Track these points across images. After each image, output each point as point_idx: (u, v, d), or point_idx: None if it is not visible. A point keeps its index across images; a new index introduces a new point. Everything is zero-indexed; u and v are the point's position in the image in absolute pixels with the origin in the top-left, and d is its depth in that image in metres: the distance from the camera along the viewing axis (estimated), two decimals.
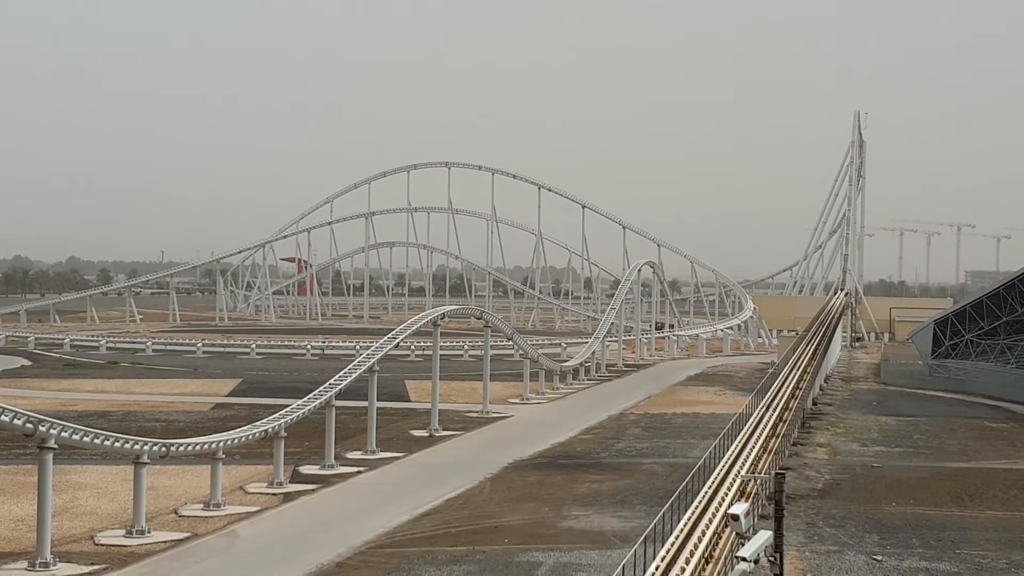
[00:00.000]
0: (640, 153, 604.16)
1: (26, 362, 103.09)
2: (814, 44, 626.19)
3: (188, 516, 40.34)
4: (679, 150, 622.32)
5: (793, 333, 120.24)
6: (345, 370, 55.63)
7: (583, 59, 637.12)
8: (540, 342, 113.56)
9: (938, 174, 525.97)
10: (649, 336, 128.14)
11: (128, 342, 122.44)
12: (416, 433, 60.49)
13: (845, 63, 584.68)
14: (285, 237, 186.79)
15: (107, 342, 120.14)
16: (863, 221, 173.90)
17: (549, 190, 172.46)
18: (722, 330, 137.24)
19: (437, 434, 60.31)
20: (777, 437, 49.12)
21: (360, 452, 53.34)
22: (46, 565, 32.93)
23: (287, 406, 49.76)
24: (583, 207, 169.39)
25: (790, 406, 58.02)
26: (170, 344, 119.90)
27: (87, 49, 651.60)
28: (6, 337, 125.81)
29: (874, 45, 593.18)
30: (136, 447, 38.28)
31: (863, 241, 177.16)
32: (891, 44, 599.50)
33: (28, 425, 34.16)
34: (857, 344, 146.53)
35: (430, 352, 70.70)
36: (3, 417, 33.83)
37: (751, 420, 49.59)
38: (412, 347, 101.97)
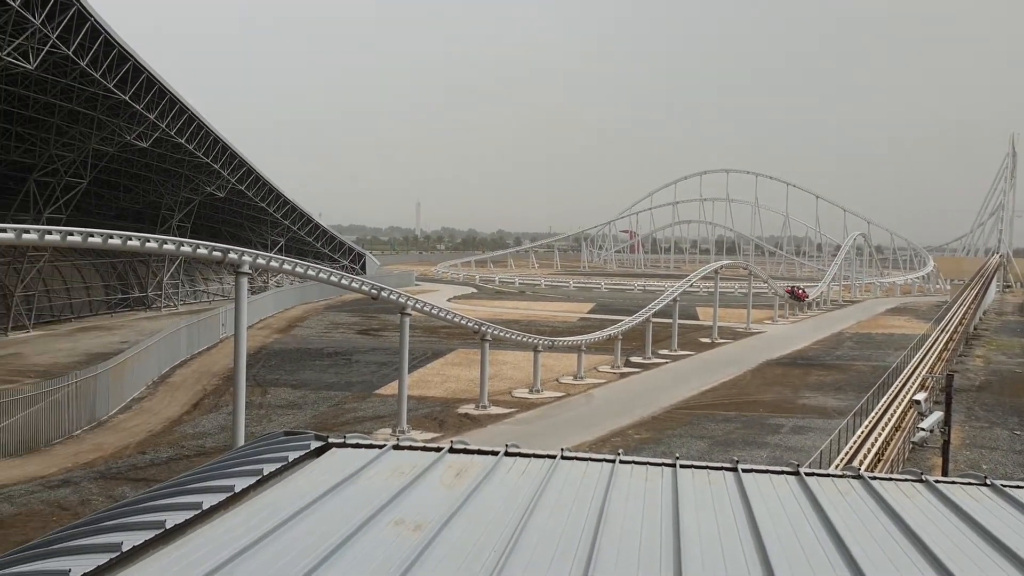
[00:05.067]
0: (850, 144, 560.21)
1: (474, 290, 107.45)
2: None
3: (564, 383, 41.28)
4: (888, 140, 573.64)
5: (961, 282, 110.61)
6: (658, 299, 55.33)
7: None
8: (786, 285, 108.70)
9: None
10: (862, 282, 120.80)
11: (530, 280, 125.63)
12: (702, 340, 59.40)
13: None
14: (622, 217, 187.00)
15: (519, 280, 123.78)
16: (1014, 206, 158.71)
17: (794, 186, 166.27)
18: (911, 279, 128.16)
19: (716, 342, 59.03)
20: (948, 351, 45.96)
21: (667, 350, 52.94)
22: (484, 407, 34.50)
23: (623, 321, 50.02)
24: (816, 197, 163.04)
25: (958, 330, 54.17)
26: (554, 282, 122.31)
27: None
28: (463, 276, 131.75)
29: None
30: (535, 341, 39.45)
31: (1014, 220, 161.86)
32: None
33: (475, 326, 35.81)
34: (1007, 290, 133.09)
35: (712, 289, 69.58)
36: (463, 321, 35.63)
37: (930, 339, 46.38)
38: (701, 287, 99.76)
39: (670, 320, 55.29)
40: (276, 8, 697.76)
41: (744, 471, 8.07)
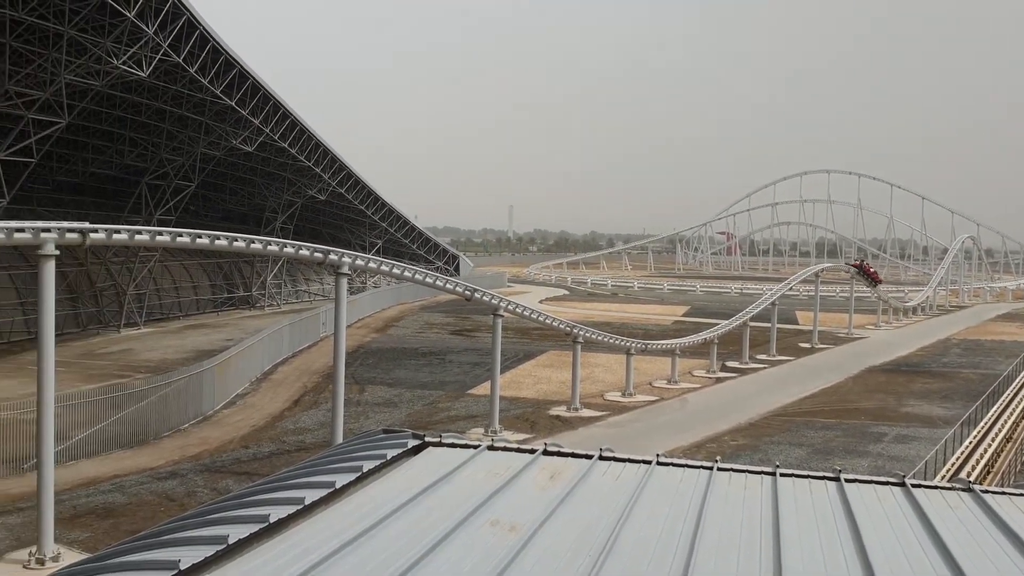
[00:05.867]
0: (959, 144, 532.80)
1: (566, 292, 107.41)
2: None
3: (657, 387, 40.85)
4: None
5: None
6: (756, 303, 54.32)
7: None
8: (889, 289, 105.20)
9: None
10: (970, 286, 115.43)
11: (623, 282, 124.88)
12: (802, 345, 57.96)
13: None
14: (719, 218, 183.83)
15: (611, 282, 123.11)
16: None
17: (899, 187, 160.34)
18: None
19: (816, 347, 57.49)
20: None
21: (765, 355, 51.83)
22: (576, 409, 34.38)
23: (719, 324, 49.19)
24: (923, 199, 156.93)
25: None
26: (648, 284, 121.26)
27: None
28: (555, 277, 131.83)
29: None
30: (627, 344, 39.13)
31: None
32: None
33: (568, 328, 35.76)
34: None
35: (813, 293, 67.90)
36: (555, 323, 35.64)
37: None
38: (801, 291, 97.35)
39: (768, 324, 54.06)
40: (363, 9, 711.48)
41: (847, 481, 7.85)
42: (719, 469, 8.02)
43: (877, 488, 7.82)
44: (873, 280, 74.28)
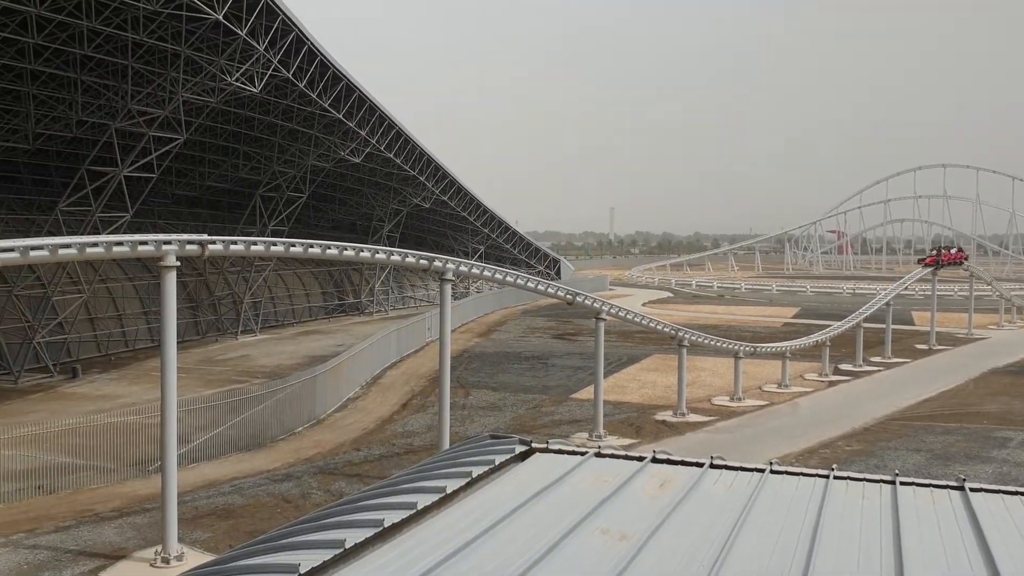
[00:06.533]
0: None
1: (670, 294, 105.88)
2: None
3: (767, 391, 39.86)
4: None
5: None
6: (869, 304, 52.51)
7: None
8: (1011, 287, 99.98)
9: None
10: None
11: (729, 284, 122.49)
12: (919, 346, 55.67)
13: None
14: (829, 216, 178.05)
15: (717, 284, 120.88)
16: None
17: (1021, 180, 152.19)
18: None
19: (934, 348, 55.05)
20: None
21: (879, 357, 49.96)
22: (683, 414, 33.88)
23: (831, 326, 47.70)
24: None
25: None
26: (755, 286, 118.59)
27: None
28: (659, 280, 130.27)
29: None
30: (735, 347, 38.33)
31: None
32: None
33: (672, 331, 35.31)
34: None
35: (929, 292, 65.11)
36: (658, 327, 35.23)
37: None
38: (916, 290, 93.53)
39: (882, 325, 52.11)
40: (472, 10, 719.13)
41: (972, 490, 7.51)
42: (835, 477, 7.78)
43: (1005, 498, 7.46)
44: (959, 261, 67.29)
